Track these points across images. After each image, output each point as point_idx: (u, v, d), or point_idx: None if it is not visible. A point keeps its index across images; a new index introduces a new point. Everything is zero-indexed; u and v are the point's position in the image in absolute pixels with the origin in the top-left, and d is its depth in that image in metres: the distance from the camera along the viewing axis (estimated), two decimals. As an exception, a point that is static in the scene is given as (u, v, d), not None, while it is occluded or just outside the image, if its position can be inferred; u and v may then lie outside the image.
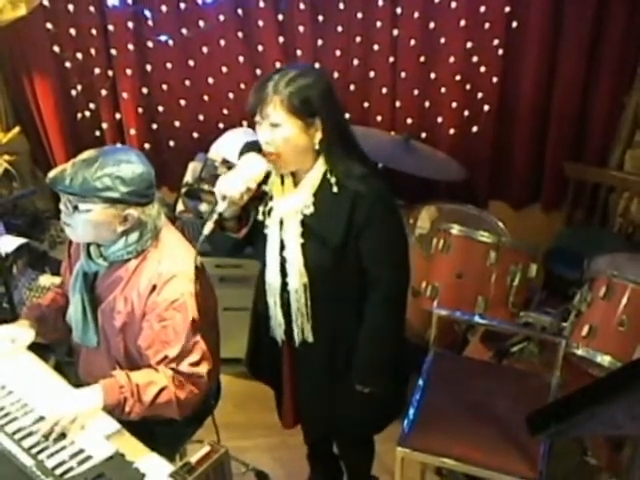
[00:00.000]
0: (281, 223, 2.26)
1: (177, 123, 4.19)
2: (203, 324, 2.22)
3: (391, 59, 3.98)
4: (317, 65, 3.88)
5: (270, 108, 2.10)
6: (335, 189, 2.18)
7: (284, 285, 2.32)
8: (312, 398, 2.50)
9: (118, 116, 4.16)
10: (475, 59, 3.95)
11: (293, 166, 2.22)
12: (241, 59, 4.00)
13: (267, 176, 2.23)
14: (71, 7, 3.89)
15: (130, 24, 3.91)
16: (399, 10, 3.86)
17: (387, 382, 2.41)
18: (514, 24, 3.87)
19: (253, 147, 2.24)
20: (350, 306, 2.34)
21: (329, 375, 2.42)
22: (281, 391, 2.62)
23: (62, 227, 2.22)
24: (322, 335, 2.36)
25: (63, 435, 2.00)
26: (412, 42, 3.92)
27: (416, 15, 3.85)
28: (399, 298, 2.36)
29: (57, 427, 2.00)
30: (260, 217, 2.30)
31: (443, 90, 4.04)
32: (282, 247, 2.27)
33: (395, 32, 3.92)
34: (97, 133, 4.22)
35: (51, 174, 2.10)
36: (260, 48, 3.98)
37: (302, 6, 3.85)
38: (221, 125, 4.14)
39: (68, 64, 4.02)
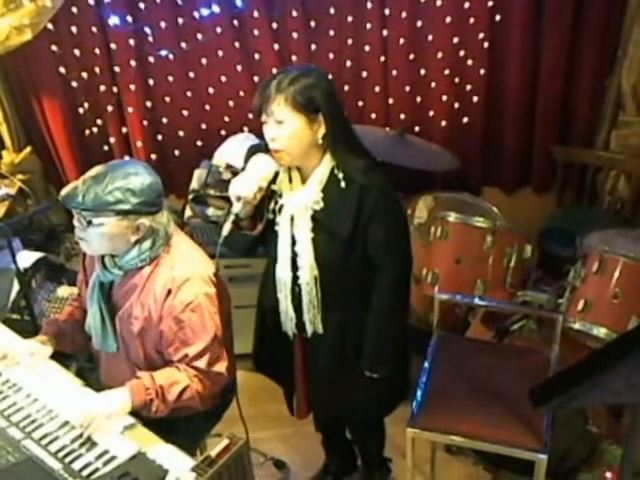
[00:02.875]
0: (291, 219, 2.26)
1: (181, 133, 4.18)
2: (219, 322, 2.22)
3: (382, 58, 3.97)
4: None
5: (274, 106, 2.09)
6: (343, 184, 2.18)
7: (294, 279, 2.31)
8: (324, 387, 2.49)
9: (124, 130, 4.16)
10: (462, 53, 3.93)
11: (298, 161, 2.22)
12: (239, 68, 3.99)
13: (276, 175, 2.24)
14: (74, 29, 3.88)
15: (131, 41, 3.90)
16: (387, 11, 3.85)
17: (394, 367, 2.41)
18: (497, 17, 3.85)
19: (258, 149, 2.25)
20: (358, 295, 2.33)
21: (340, 363, 2.41)
22: (291, 384, 2.61)
23: (77, 241, 2.21)
24: (332, 325, 2.36)
25: (88, 437, 2.00)
26: (401, 41, 3.90)
27: (404, 15, 3.84)
28: (404, 284, 2.35)
29: (90, 427, 2.00)
30: (270, 215, 2.29)
31: (433, 85, 4.03)
32: (293, 242, 2.27)
33: (385, 32, 3.91)
34: (105, 148, 4.21)
35: (63, 192, 2.09)
36: (257, 56, 3.97)
37: (295, 13, 3.84)
38: (223, 132, 4.12)
39: (74, 84, 4.01)
